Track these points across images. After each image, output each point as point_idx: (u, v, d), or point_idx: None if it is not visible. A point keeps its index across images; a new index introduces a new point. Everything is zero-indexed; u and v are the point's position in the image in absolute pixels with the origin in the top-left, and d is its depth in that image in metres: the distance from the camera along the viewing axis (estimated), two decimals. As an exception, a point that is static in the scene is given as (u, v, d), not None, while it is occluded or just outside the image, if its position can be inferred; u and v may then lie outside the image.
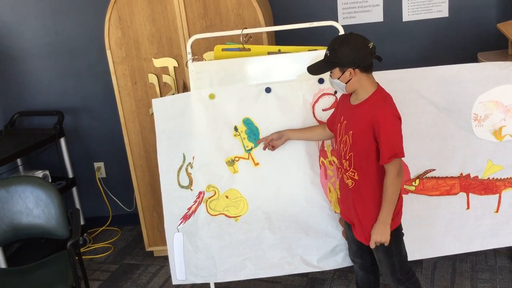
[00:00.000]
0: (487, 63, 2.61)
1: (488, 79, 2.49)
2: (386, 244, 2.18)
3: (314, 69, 2.19)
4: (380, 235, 2.16)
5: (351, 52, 2.07)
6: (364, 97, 2.15)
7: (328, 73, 2.19)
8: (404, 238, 2.30)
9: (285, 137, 2.51)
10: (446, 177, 2.58)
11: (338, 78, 2.13)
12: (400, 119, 2.13)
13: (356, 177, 2.21)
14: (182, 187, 2.65)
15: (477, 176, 2.58)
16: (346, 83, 2.13)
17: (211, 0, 2.96)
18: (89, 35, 3.61)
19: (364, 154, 2.16)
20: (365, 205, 2.22)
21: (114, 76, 3.14)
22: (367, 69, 2.12)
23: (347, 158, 2.22)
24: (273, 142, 2.53)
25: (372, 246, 2.19)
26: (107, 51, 3.10)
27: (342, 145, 2.25)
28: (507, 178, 2.58)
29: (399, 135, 2.11)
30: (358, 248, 2.42)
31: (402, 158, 2.14)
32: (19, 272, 2.69)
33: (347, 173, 2.25)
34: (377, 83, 2.18)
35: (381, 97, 2.15)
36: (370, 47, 2.09)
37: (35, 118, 3.85)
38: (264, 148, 2.55)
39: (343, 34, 2.18)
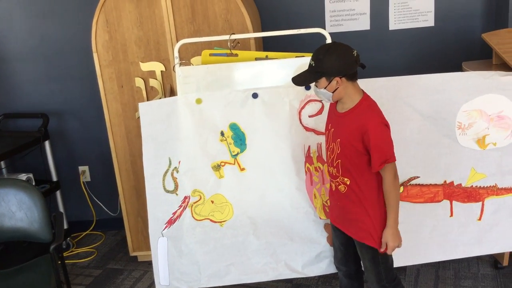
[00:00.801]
0: (471, 72, 2.64)
1: (472, 88, 2.53)
2: (399, 247, 2.21)
3: (300, 80, 2.19)
4: (393, 240, 2.18)
5: (337, 61, 2.08)
6: (350, 106, 2.17)
7: None
8: (388, 245, 2.31)
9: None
10: (430, 184, 2.60)
11: (325, 88, 2.13)
12: (387, 125, 2.14)
13: (347, 183, 2.22)
14: (168, 191, 2.64)
15: (461, 184, 2.61)
16: (332, 92, 2.14)
17: (199, 5, 2.97)
18: (75, 38, 3.59)
19: (351, 161, 2.17)
20: (356, 208, 2.22)
21: (101, 80, 3.13)
22: (353, 77, 2.13)
23: (334, 165, 2.23)
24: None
25: (383, 250, 2.21)
26: (94, 54, 3.08)
27: (329, 153, 2.27)
28: (490, 186, 2.61)
29: (389, 141, 2.13)
30: (343, 255, 2.43)
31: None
32: (1, 275, 2.65)
33: (336, 180, 2.26)
34: (362, 90, 2.20)
35: (367, 106, 2.16)
36: (355, 55, 2.10)
37: (20, 120, 3.81)
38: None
39: (326, 44, 2.18)
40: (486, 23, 3.45)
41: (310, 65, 2.14)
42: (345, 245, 2.39)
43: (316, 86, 2.17)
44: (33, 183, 3.57)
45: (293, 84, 2.43)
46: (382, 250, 2.21)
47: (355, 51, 2.11)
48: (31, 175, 3.58)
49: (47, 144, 3.63)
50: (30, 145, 3.51)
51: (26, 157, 3.67)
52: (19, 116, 3.78)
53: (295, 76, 2.20)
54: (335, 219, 2.39)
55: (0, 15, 3.64)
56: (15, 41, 3.68)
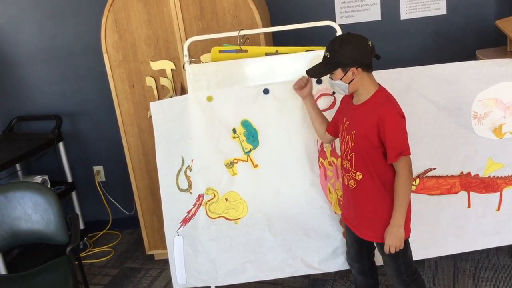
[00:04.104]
0: (486, 60, 2.59)
1: (487, 76, 2.48)
2: (401, 248, 2.15)
3: (315, 72, 2.16)
4: (395, 238, 2.12)
5: (353, 51, 2.06)
6: (366, 97, 2.14)
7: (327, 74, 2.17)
8: (405, 238, 2.28)
9: (308, 90, 2.41)
10: (447, 176, 2.56)
11: (341, 79, 2.10)
12: (404, 117, 2.12)
13: (358, 178, 2.19)
14: (181, 190, 2.63)
15: (478, 174, 2.57)
16: (348, 83, 2.10)
17: (207, 2, 2.95)
18: (86, 39, 3.60)
19: (367, 154, 2.14)
20: (371, 205, 2.19)
21: (112, 80, 3.13)
22: (368, 68, 2.11)
23: (348, 158, 2.20)
24: (301, 82, 2.41)
25: (387, 251, 2.16)
26: (104, 54, 3.08)
27: (343, 146, 2.24)
28: (508, 176, 2.57)
29: (404, 133, 2.10)
30: (356, 252, 2.41)
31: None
32: (19, 278, 2.68)
33: (348, 174, 2.23)
34: (378, 83, 2.17)
35: (384, 96, 2.14)
36: (370, 45, 2.08)
37: (33, 122, 3.83)
38: (299, 87, 2.43)
39: (341, 35, 2.16)
40: (499, 10, 3.39)
41: (324, 56, 2.12)
42: (358, 242, 2.36)
43: (331, 78, 2.14)
44: (49, 185, 3.59)
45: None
46: (385, 251, 2.17)
47: (370, 41, 2.09)
48: (46, 177, 3.61)
49: (61, 145, 3.65)
50: (44, 147, 3.54)
51: (41, 159, 3.69)
52: (32, 119, 3.80)
53: (309, 69, 2.17)
54: (347, 217, 2.37)
55: (10, 18, 3.66)
56: (25, 43, 3.70)
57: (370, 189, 2.18)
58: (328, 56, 2.10)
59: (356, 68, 2.07)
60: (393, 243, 2.13)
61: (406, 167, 2.10)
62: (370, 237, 2.26)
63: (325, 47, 2.41)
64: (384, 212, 2.16)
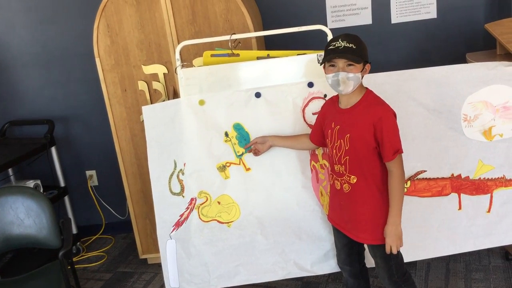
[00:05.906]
0: (475, 63, 2.62)
1: (477, 79, 2.50)
2: (402, 246, 2.18)
3: (352, 58, 2.07)
4: (395, 237, 2.15)
5: (366, 47, 2.12)
6: (356, 100, 2.16)
7: (324, 72, 2.19)
8: (397, 240, 2.30)
9: (269, 143, 2.51)
10: (437, 178, 2.58)
11: (360, 72, 2.11)
12: (396, 116, 2.16)
13: (352, 182, 2.20)
14: (174, 194, 2.64)
15: (468, 176, 2.58)
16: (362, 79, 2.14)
17: (199, 6, 2.96)
18: (78, 43, 3.60)
19: (363, 156, 2.16)
20: (366, 207, 2.21)
21: (104, 84, 3.13)
22: None
23: (342, 163, 2.21)
24: (257, 146, 2.52)
25: (388, 251, 2.17)
26: (96, 59, 3.09)
27: (335, 151, 2.24)
28: (498, 177, 2.59)
29: (398, 131, 2.14)
30: (347, 255, 2.42)
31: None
32: (12, 283, 2.67)
33: (342, 178, 2.24)
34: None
35: (374, 97, 2.18)
36: None
37: (26, 127, 3.83)
38: (249, 152, 2.55)
39: (349, 33, 2.14)
40: (489, 13, 3.42)
41: (349, 47, 2.05)
42: (348, 246, 2.38)
43: (348, 71, 2.08)
44: (41, 190, 3.59)
45: (296, 83, 2.42)
46: (387, 251, 2.19)
47: None
48: (38, 182, 3.60)
49: (53, 150, 3.65)
50: (37, 152, 3.53)
51: (33, 164, 3.69)
52: (24, 123, 3.80)
53: (350, 54, 2.06)
54: (337, 221, 2.38)
55: (3, 23, 3.66)
56: (18, 48, 3.70)
57: (365, 191, 2.20)
58: (355, 47, 2.06)
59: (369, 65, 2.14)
60: (393, 242, 2.15)
61: (400, 166, 2.14)
62: (365, 240, 2.27)
63: (316, 51, 2.44)
64: (378, 214, 2.19)
